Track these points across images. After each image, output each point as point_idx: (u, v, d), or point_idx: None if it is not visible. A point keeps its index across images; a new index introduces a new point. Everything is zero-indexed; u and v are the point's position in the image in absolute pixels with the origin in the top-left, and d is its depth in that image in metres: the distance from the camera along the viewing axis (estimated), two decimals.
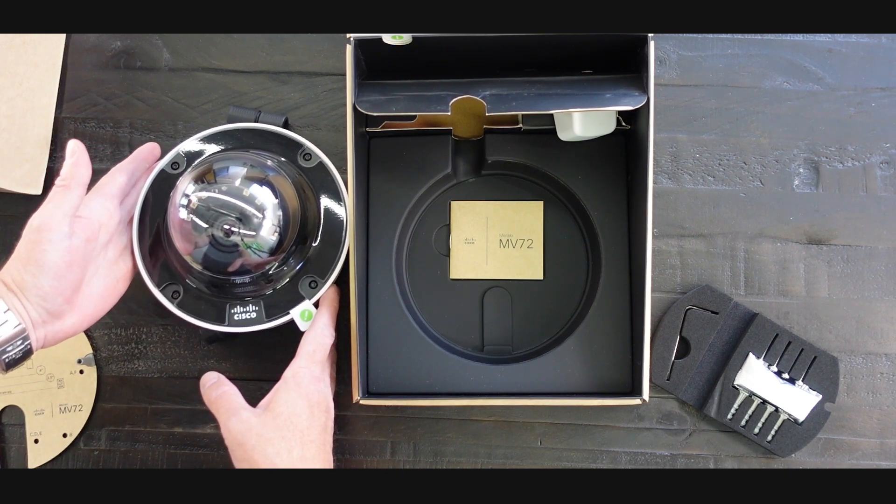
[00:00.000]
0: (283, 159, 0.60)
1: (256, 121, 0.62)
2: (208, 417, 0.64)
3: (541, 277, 0.63)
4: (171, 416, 0.64)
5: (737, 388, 0.62)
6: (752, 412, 0.62)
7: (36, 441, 0.63)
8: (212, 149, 0.61)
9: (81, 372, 0.64)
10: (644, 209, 0.55)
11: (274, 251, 0.56)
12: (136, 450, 0.64)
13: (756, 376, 0.61)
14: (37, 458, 0.63)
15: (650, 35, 0.54)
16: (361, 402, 0.56)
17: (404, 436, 0.64)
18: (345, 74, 0.55)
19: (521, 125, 0.62)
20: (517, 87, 0.56)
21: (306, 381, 0.54)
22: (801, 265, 0.64)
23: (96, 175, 0.65)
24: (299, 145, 0.61)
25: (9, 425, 0.64)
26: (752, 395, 0.61)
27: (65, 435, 0.63)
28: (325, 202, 0.60)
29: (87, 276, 0.53)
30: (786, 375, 0.62)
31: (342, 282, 0.59)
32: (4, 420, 0.64)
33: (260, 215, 0.55)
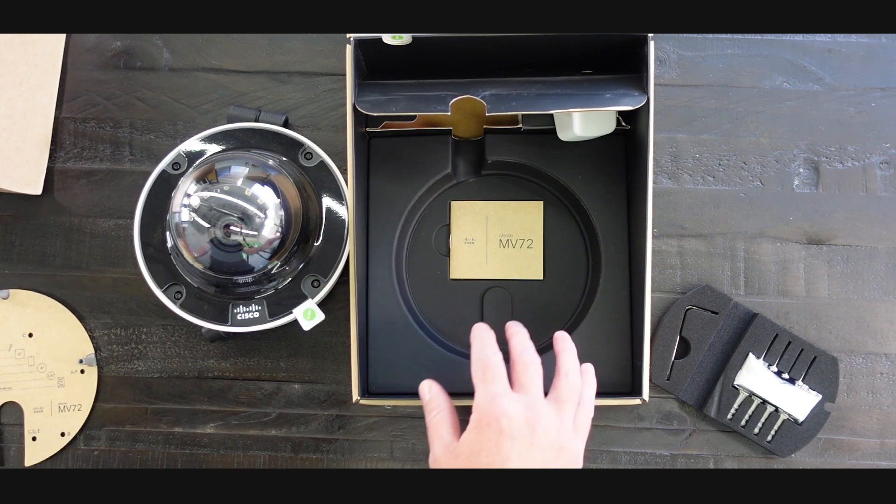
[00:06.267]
0: (284, 159, 0.60)
1: (257, 120, 0.62)
2: (208, 417, 0.64)
3: (541, 277, 0.63)
4: (171, 416, 0.64)
5: (737, 388, 0.62)
6: (752, 412, 0.62)
7: (34, 439, 0.63)
8: (213, 149, 0.61)
9: (82, 372, 0.64)
10: (644, 209, 0.55)
11: (276, 250, 0.56)
12: (136, 450, 0.64)
13: (756, 376, 0.61)
14: (34, 455, 0.63)
15: (650, 35, 0.54)
16: (361, 402, 0.56)
17: (404, 436, 0.64)
18: (345, 74, 0.55)
19: (521, 125, 0.61)
20: (517, 87, 0.56)
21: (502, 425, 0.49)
22: (801, 265, 0.64)
23: (94, 173, 0.66)
24: (300, 144, 0.61)
25: (8, 425, 0.64)
26: (751, 395, 0.61)
27: (63, 434, 0.63)
28: (327, 201, 0.60)
29: None
30: (786, 375, 0.62)
31: (344, 281, 0.59)
32: (4, 420, 0.64)
33: (262, 215, 0.55)
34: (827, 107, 0.65)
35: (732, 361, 0.62)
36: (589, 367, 0.55)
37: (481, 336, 0.53)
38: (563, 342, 0.54)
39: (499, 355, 0.51)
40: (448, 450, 0.51)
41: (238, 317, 0.59)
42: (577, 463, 0.51)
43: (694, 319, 0.62)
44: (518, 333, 0.54)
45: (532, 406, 0.49)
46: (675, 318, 0.62)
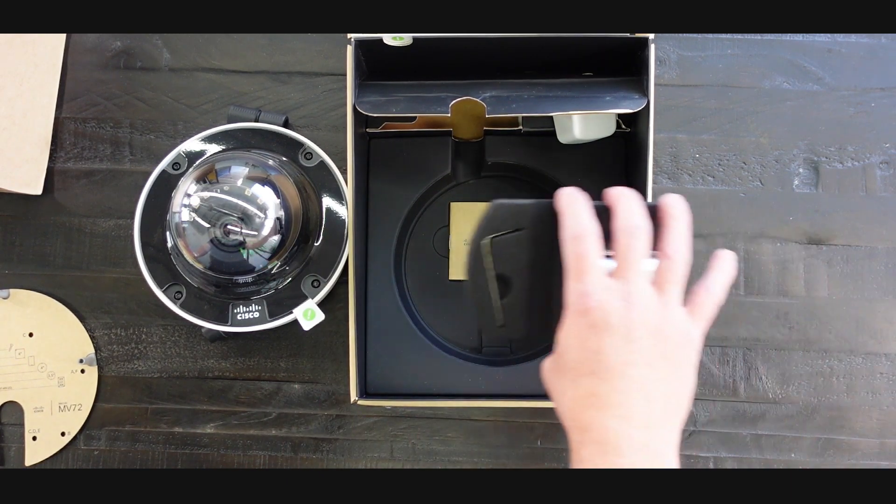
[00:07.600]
0: (284, 159, 0.60)
1: (257, 120, 0.62)
2: (208, 417, 0.64)
3: None
4: (171, 416, 0.64)
5: None
6: None
7: (34, 438, 0.63)
8: (213, 149, 0.61)
9: (83, 371, 0.64)
10: None
11: (276, 250, 0.56)
12: (136, 450, 0.64)
13: None
14: (34, 455, 0.63)
15: (651, 38, 0.53)
16: (359, 402, 0.56)
17: (404, 436, 0.64)
18: (345, 74, 0.55)
19: (521, 127, 0.61)
20: (517, 88, 0.56)
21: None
22: (801, 265, 0.64)
23: (94, 173, 0.66)
24: (300, 144, 0.61)
25: (9, 425, 0.64)
26: None
27: (63, 434, 0.64)
28: (327, 201, 0.60)
29: None
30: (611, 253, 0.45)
31: (343, 281, 0.59)
32: (4, 420, 0.64)
33: (262, 215, 0.55)
34: (827, 107, 0.65)
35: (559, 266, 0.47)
36: (725, 254, 0.48)
37: (574, 209, 0.44)
38: (672, 209, 0.46)
39: (595, 244, 0.43)
40: (552, 357, 0.45)
41: (238, 317, 0.59)
42: (690, 350, 0.44)
43: (501, 250, 0.48)
44: (623, 198, 0.44)
45: (627, 293, 0.42)
46: (478, 260, 0.49)
